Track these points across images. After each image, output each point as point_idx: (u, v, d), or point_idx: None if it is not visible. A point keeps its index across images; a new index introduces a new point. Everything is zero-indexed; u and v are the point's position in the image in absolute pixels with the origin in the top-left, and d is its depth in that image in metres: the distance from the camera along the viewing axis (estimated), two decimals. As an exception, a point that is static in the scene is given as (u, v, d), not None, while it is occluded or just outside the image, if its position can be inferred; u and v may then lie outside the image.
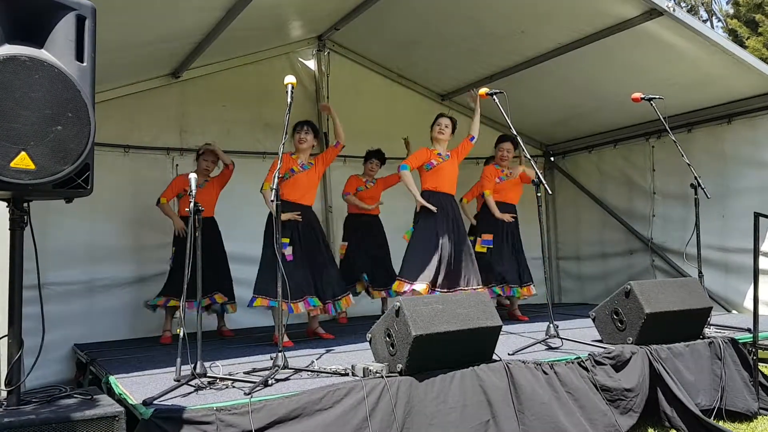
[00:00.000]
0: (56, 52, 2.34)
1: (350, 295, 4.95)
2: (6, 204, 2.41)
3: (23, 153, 2.21)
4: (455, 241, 4.92)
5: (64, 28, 2.37)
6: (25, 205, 2.40)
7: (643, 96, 4.68)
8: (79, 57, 2.38)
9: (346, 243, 6.12)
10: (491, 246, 5.79)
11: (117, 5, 3.73)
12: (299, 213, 4.68)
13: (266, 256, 4.70)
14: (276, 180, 3.46)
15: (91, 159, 2.36)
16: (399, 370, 3.15)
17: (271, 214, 4.64)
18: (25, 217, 2.37)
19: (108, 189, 5.03)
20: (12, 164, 2.19)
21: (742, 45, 15.41)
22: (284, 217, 4.52)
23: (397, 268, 5.88)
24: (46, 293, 5.10)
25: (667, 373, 3.69)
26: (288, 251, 4.60)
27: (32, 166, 2.22)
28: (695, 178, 4.57)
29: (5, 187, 2.20)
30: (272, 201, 3.48)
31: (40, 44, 2.34)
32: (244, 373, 3.42)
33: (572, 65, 5.84)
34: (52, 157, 2.26)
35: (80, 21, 2.39)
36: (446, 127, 5.14)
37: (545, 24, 5.40)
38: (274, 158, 4.54)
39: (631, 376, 3.58)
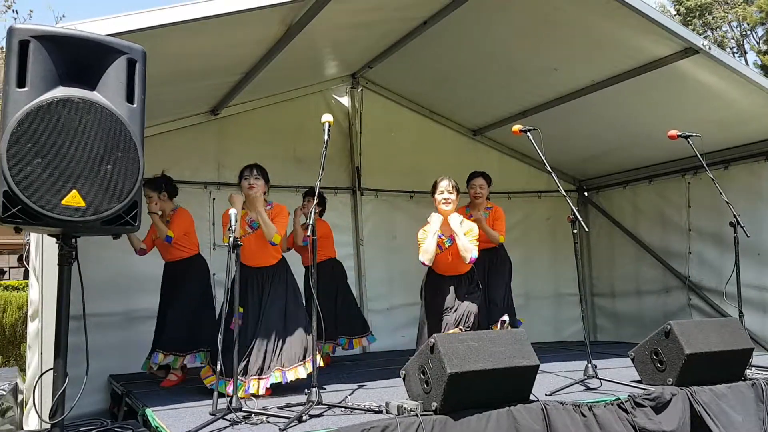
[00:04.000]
0: (108, 93, 2.44)
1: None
2: (55, 240, 2.48)
3: (74, 191, 2.29)
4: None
5: (116, 71, 2.47)
6: (73, 240, 2.47)
7: (679, 134, 4.65)
8: (130, 99, 2.47)
9: None
10: None
11: (162, 46, 3.86)
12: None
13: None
14: (312, 216, 3.51)
15: (139, 197, 2.44)
16: (434, 408, 3.12)
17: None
18: (74, 252, 2.44)
19: (146, 223, 5.09)
20: (63, 202, 2.27)
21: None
22: None
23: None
24: (83, 324, 5.19)
25: (709, 415, 3.60)
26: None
27: (82, 204, 2.30)
28: (734, 216, 4.50)
29: (57, 224, 2.28)
30: (309, 235, 3.51)
31: (92, 86, 2.44)
32: (279, 408, 3.43)
33: (606, 102, 5.83)
34: (101, 195, 2.34)
35: (131, 64, 2.49)
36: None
37: (579, 61, 5.42)
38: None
39: (671, 419, 3.50)
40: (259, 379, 3.96)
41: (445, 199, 4.40)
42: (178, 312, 4.74)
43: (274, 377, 3.98)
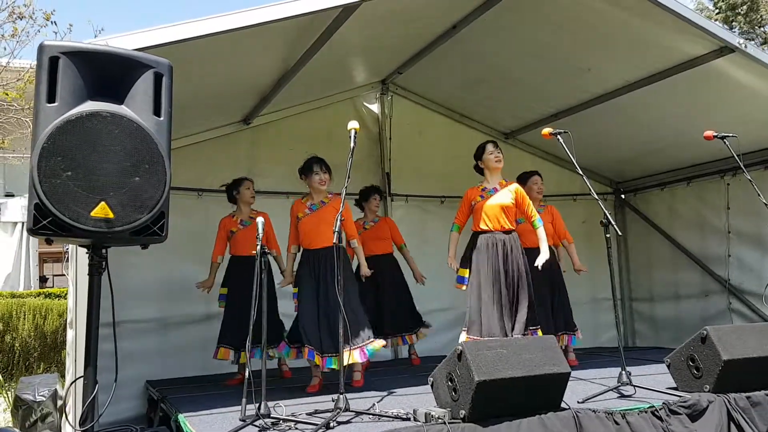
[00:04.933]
0: (135, 107, 2.49)
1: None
2: (85, 250, 2.55)
3: (103, 203, 2.34)
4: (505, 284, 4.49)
5: (143, 85, 2.52)
6: (103, 251, 2.53)
7: (716, 134, 4.53)
8: (157, 112, 2.52)
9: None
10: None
11: (195, 59, 3.94)
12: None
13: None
14: (338, 223, 3.53)
15: (166, 207, 2.48)
16: (462, 416, 3.10)
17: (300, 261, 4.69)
18: (103, 262, 2.50)
19: (182, 230, 5.21)
20: (92, 213, 2.33)
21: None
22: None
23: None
24: (121, 331, 5.32)
25: (747, 423, 3.49)
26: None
27: (111, 215, 2.35)
28: (774, 218, 4.38)
29: (86, 235, 2.34)
30: (335, 243, 3.56)
31: (120, 100, 2.49)
32: (307, 414, 3.45)
33: (641, 102, 5.73)
34: (129, 207, 2.39)
35: (158, 78, 2.54)
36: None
37: (612, 62, 5.34)
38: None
39: (707, 427, 3.40)
40: (350, 350, 4.22)
41: (497, 157, 4.68)
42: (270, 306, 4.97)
43: (371, 348, 4.35)
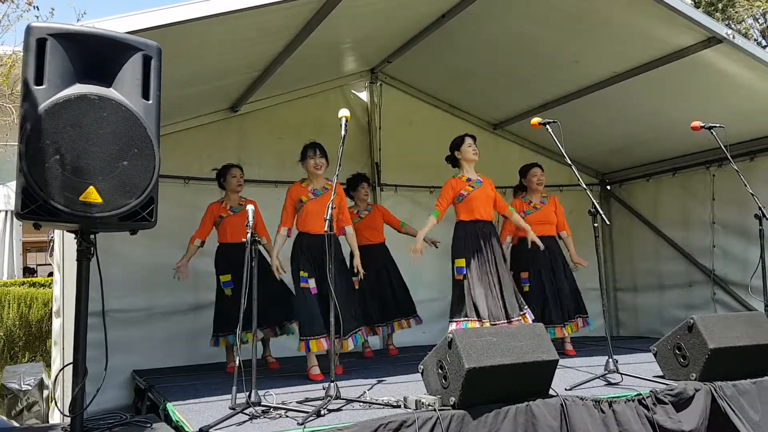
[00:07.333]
0: (123, 90, 2.46)
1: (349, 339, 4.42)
2: (74, 236, 2.51)
3: (91, 187, 2.32)
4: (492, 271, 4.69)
5: (132, 68, 2.49)
6: (92, 236, 2.50)
7: (702, 125, 4.56)
8: (145, 95, 2.49)
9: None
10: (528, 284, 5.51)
11: (182, 44, 3.89)
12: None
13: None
14: (329, 211, 3.52)
15: (155, 193, 2.46)
16: (452, 403, 3.11)
17: (295, 245, 4.56)
18: (92, 248, 2.47)
19: (169, 219, 5.14)
20: (81, 198, 2.30)
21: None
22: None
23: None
24: (107, 320, 5.25)
25: (734, 411, 3.53)
26: (311, 284, 4.39)
27: (99, 200, 2.33)
28: (760, 208, 4.41)
29: (74, 219, 2.31)
30: (326, 232, 3.54)
31: (108, 83, 2.46)
32: (297, 402, 3.44)
33: (628, 93, 5.75)
34: (118, 191, 2.36)
35: (146, 61, 2.52)
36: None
37: (600, 53, 5.35)
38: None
39: (691, 418, 3.43)
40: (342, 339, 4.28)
41: (474, 150, 4.85)
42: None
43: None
